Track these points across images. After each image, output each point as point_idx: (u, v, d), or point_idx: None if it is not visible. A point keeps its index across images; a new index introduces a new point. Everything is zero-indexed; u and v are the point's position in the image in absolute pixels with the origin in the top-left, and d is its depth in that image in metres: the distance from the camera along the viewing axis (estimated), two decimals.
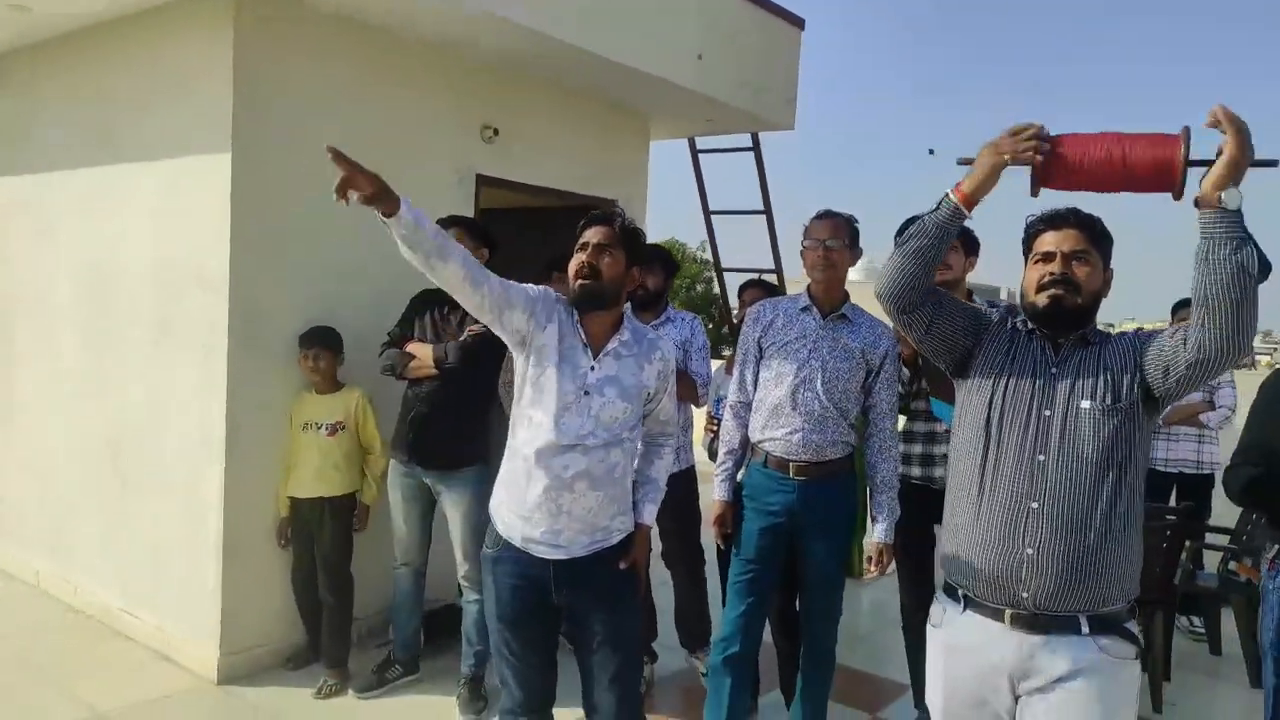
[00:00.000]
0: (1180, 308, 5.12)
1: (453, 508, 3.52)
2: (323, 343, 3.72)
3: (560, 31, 4.17)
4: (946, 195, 1.95)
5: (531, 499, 2.33)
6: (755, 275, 3.81)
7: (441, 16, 3.95)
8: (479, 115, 4.63)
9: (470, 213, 4.63)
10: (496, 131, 4.69)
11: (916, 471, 3.28)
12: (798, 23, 5.76)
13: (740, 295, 3.81)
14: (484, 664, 3.55)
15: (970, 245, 3.35)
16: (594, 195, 5.35)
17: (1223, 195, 1.69)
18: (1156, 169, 1.76)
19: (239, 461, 3.70)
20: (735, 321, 3.89)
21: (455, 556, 3.59)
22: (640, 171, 5.72)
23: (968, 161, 1.95)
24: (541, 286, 2.45)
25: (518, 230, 5.29)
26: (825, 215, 2.95)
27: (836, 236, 2.90)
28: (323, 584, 3.72)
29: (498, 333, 2.41)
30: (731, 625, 2.95)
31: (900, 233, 1.95)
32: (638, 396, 2.43)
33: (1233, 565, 4.71)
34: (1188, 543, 4.25)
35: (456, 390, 3.46)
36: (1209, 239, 1.72)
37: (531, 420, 2.36)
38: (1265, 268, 1.68)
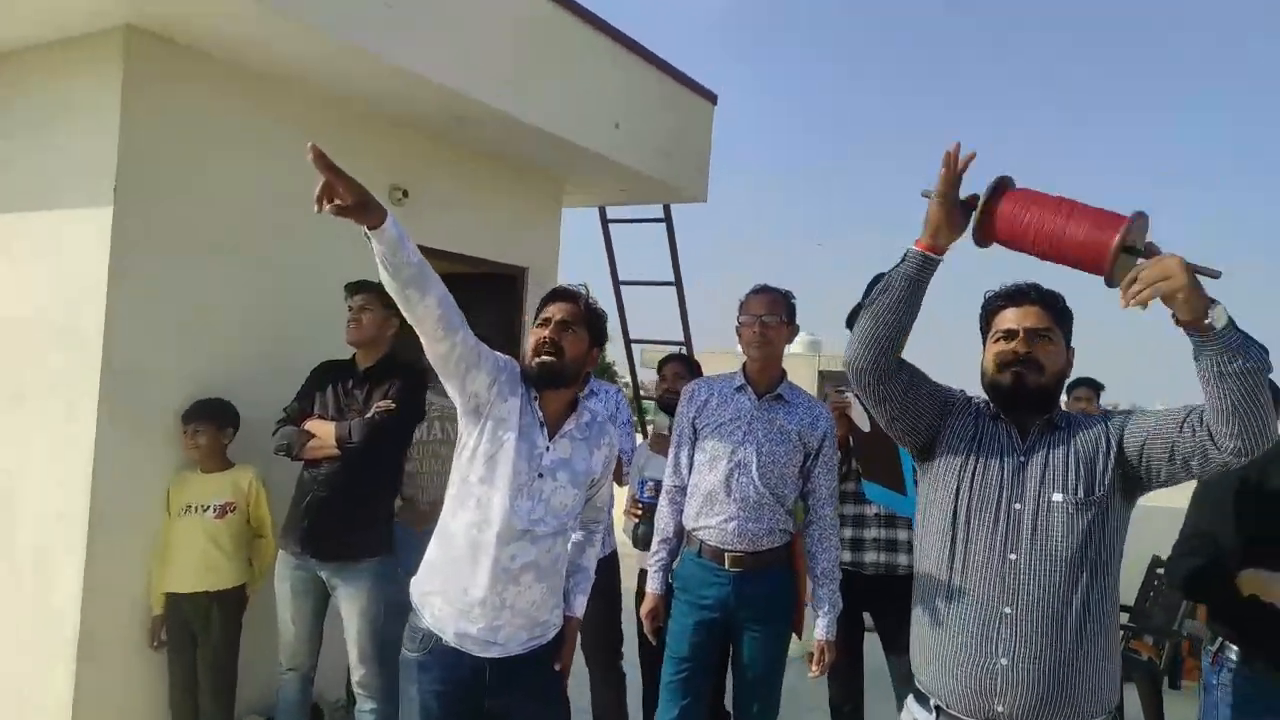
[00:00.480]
0: (1075, 387, 5.14)
1: (349, 604, 3.16)
2: (208, 417, 3.35)
3: (481, 93, 4.02)
4: (911, 248, 1.82)
5: (475, 591, 2.14)
6: (677, 349, 3.67)
7: (351, 71, 3.74)
8: (388, 175, 4.41)
9: (377, 278, 4.37)
10: (406, 193, 4.46)
11: (846, 556, 3.17)
12: (710, 97, 5.81)
13: (660, 370, 3.67)
14: None
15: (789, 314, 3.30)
16: (505, 262, 5.18)
17: (1210, 316, 1.56)
18: (1089, 250, 1.64)
19: (103, 549, 3.24)
20: (656, 395, 3.74)
21: (349, 659, 3.21)
22: (552, 238, 5.57)
23: (931, 194, 1.82)
24: (506, 356, 2.28)
25: None
26: (762, 290, 2.85)
27: (773, 312, 2.80)
28: (205, 691, 3.26)
29: (453, 394, 2.19)
30: None
31: (866, 293, 1.79)
32: (585, 483, 2.30)
33: (1132, 643, 4.80)
34: None
35: (358, 474, 3.13)
36: (1215, 357, 1.59)
37: (480, 500, 2.17)
38: (1266, 354, 1.60)
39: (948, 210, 1.76)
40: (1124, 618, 4.90)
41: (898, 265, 1.83)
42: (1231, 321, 1.58)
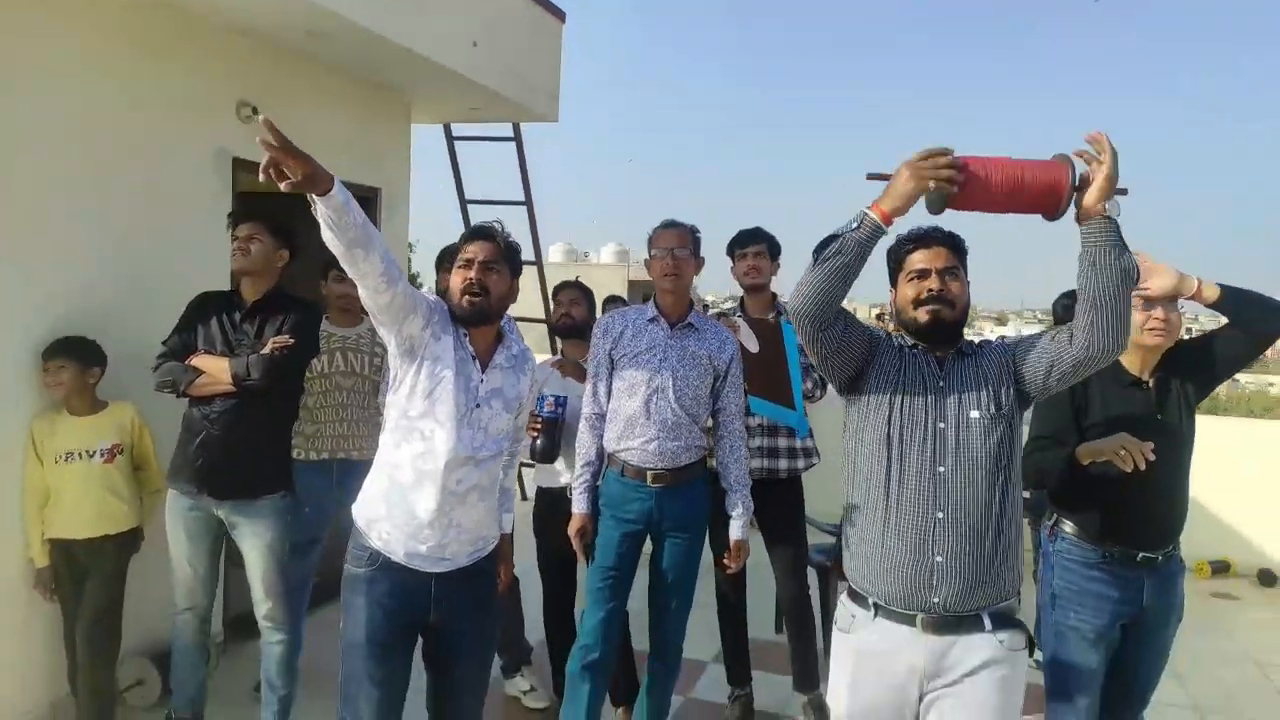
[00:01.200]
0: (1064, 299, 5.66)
1: (253, 541, 3.12)
2: (71, 354, 3.15)
3: (341, 6, 3.84)
4: (866, 214, 1.93)
5: (423, 514, 2.29)
6: (572, 278, 3.74)
7: None
8: (237, 90, 4.14)
9: (227, 199, 4.15)
10: (255, 110, 4.21)
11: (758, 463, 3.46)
12: (559, 15, 5.77)
13: (555, 296, 3.74)
14: (288, 711, 3.23)
15: (775, 251, 3.59)
16: (359, 183, 5.01)
17: (1107, 206, 1.86)
18: (1049, 191, 1.89)
19: None
20: (552, 320, 3.80)
21: (253, 594, 3.20)
22: (403, 157, 5.44)
23: (879, 176, 1.95)
24: (434, 296, 2.37)
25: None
26: (671, 225, 3.01)
27: (683, 245, 2.97)
28: (85, 636, 3.13)
29: (387, 336, 2.29)
30: (593, 632, 2.96)
31: (818, 251, 1.95)
32: (516, 407, 2.46)
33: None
34: None
35: (257, 411, 3.06)
36: (1097, 247, 1.88)
37: (424, 433, 2.29)
38: (1137, 272, 1.95)
39: (915, 188, 1.89)
40: None
41: (853, 230, 1.93)
42: (1119, 222, 1.88)
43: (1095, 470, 2.46)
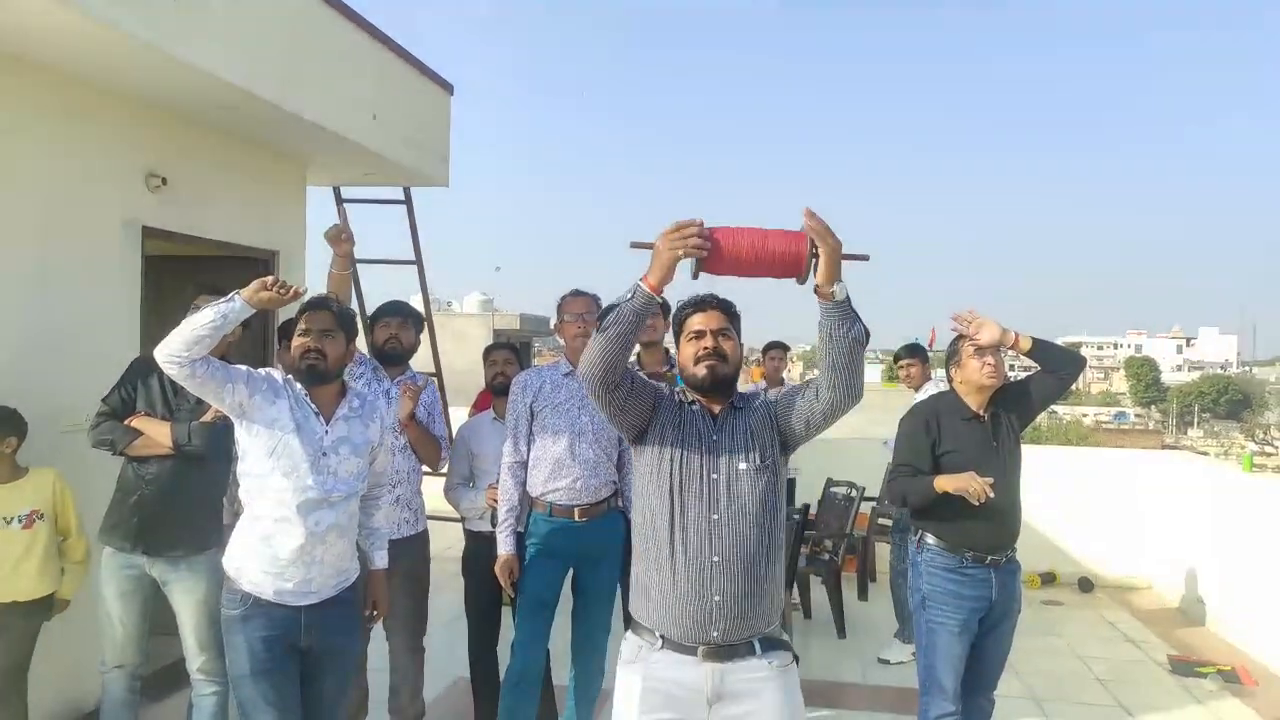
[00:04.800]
0: (770, 349, 6.50)
1: (187, 596, 3.24)
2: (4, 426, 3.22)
3: (254, 85, 4.07)
4: (639, 285, 2.10)
5: (286, 554, 2.59)
6: (504, 340, 4.02)
7: (109, 55, 3.61)
8: (146, 162, 4.28)
9: (137, 267, 4.26)
10: (165, 180, 4.36)
11: None
12: (448, 88, 6.13)
13: (488, 357, 3.98)
14: None
15: (666, 310, 4.04)
16: (258, 246, 5.18)
17: (834, 290, 2.06)
18: (791, 261, 2.08)
19: None
20: (487, 381, 3.95)
21: (186, 648, 3.31)
22: (299, 220, 5.61)
23: (642, 245, 2.13)
24: (266, 370, 2.72)
25: (174, 277, 4.88)
26: (579, 293, 3.45)
27: (591, 311, 3.39)
28: None
29: (212, 402, 2.67)
30: (526, 655, 3.29)
31: (601, 318, 2.18)
32: (367, 451, 2.78)
33: (815, 547, 6.07)
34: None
35: (192, 472, 3.22)
36: (830, 321, 2.09)
37: (274, 486, 2.60)
38: (868, 336, 2.22)
39: (670, 261, 2.07)
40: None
41: (628, 301, 2.10)
42: (849, 300, 2.10)
43: (950, 494, 3.04)
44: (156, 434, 3.18)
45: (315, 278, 5.16)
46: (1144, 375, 75.20)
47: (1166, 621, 6.08)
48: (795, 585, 5.75)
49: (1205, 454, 11.75)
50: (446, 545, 4.60)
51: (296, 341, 2.68)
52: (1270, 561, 5.36)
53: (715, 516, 2.19)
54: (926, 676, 3.17)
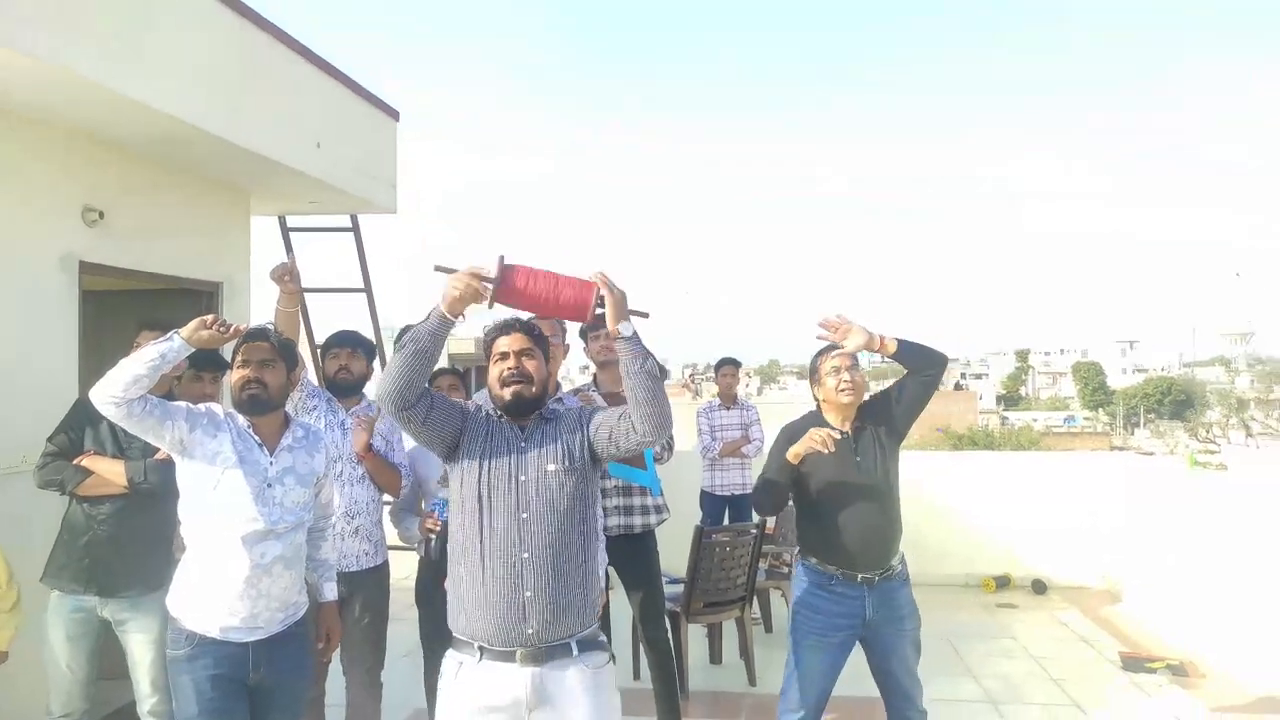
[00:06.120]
0: (723, 365, 6.60)
1: (141, 636, 3.16)
2: None
3: (197, 118, 4.04)
4: (435, 308, 2.28)
5: (232, 589, 2.55)
6: (444, 367, 4.00)
7: (48, 89, 3.57)
8: (84, 196, 4.21)
9: (73, 301, 4.18)
10: (102, 214, 4.29)
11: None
12: (394, 114, 6.12)
13: (431, 382, 3.97)
14: None
15: (583, 333, 4.02)
16: (201, 278, 5.11)
17: (620, 328, 2.28)
18: (577, 306, 2.34)
19: None
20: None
21: (138, 689, 3.22)
22: (244, 250, 5.55)
23: (444, 269, 2.32)
24: (206, 405, 2.71)
25: (113, 313, 4.80)
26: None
27: (555, 333, 3.42)
28: None
29: (150, 440, 2.61)
30: None
31: (398, 339, 2.36)
32: (312, 481, 2.77)
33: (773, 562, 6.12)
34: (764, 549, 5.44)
35: (147, 511, 3.15)
36: (624, 358, 2.27)
37: (217, 520, 2.57)
38: (665, 372, 2.47)
39: (468, 289, 2.26)
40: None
41: (424, 322, 2.28)
42: (637, 336, 2.28)
43: (818, 509, 3.06)
44: (109, 473, 3.12)
45: (261, 309, 5.13)
46: (1091, 379, 77.00)
47: (1117, 619, 6.22)
48: (755, 598, 5.78)
49: (1151, 454, 12.08)
50: (404, 575, 4.55)
51: (236, 374, 2.69)
52: (1208, 555, 5.52)
53: (524, 515, 2.30)
54: (784, 684, 3.17)
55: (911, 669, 3.16)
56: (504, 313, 2.50)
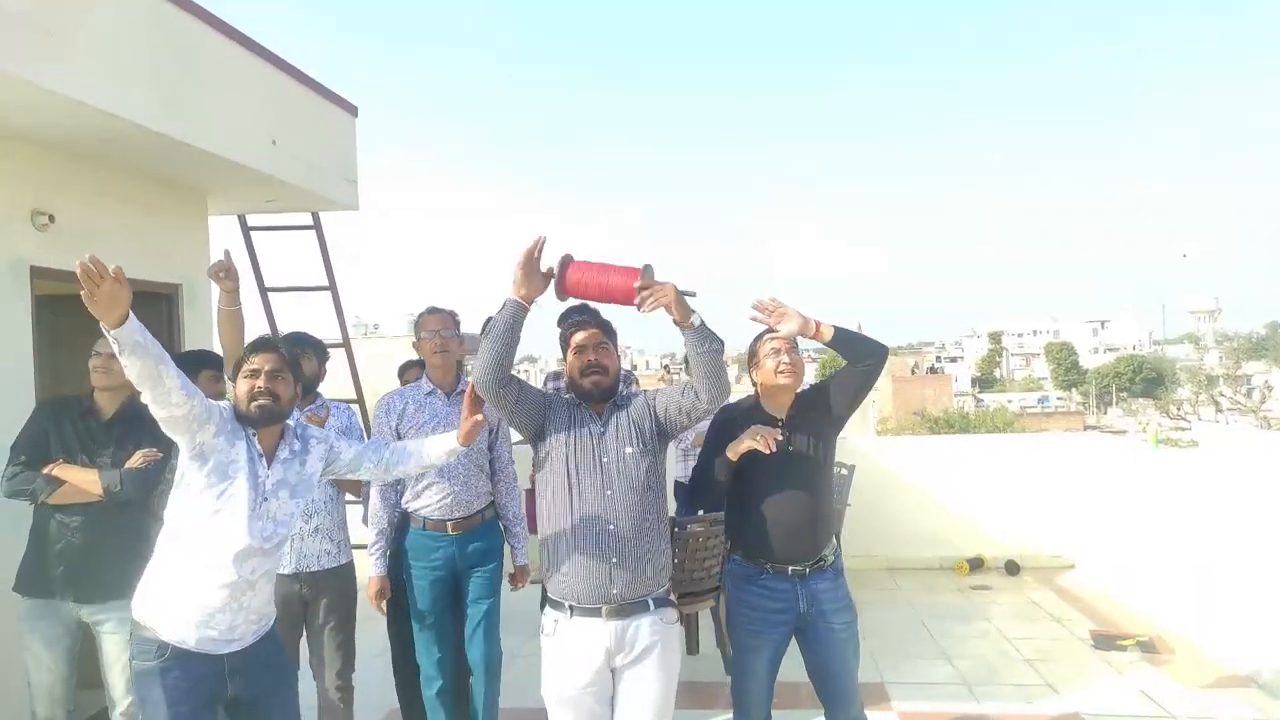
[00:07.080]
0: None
1: (119, 636, 3.11)
2: None
3: (138, 115, 3.95)
4: (508, 299, 2.55)
5: (214, 603, 2.46)
6: (413, 359, 4.04)
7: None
8: (31, 200, 4.11)
9: (25, 307, 4.09)
10: (52, 218, 4.19)
11: None
12: (352, 110, 6.03)
13: (402, 376, 4.00)
14: None
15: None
16: (158, 280, 5.01)
17: (692, 320, 2.55)
18: (626, 294, 2.55)
19: None
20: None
21: (112, 692, 3.19)
22: (201, 251, 5.44)
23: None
24: (220, 403, 2.59)
25: (73, 316, 4.69)
26: (435, 310, 3.52)
27: (447, 326, 3.47)
28: None
29: (180, 441, 2.46)
30: (434, 667, 3.40)
31: (483, 329, 2.61)
32: (307, 490, 2.72)
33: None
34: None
35: (120, 517, 3.11)
36: (693, 343, 2.57)
37: (214, 529, 2.48)
38: (723, 343, 2.65)
39: (529, 276, 2.53)
40: None
41: (500, 311, 2.56)
42: (704, 323, 2.57)
43: (747, 502, 2.95)
44: (83, 482, 3.08)
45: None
46: (1063, 359, 77.88)
47: (1088, 598, 6.27)
48: None
49: (1124, 432, 12.21)
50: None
51: (243, 383, 2.56)
52: (1174, 532, 5.59)
53: (609, 492, 2.62)
54: (732, 689, 3.09)
55: (852, 670, 3.02)
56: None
